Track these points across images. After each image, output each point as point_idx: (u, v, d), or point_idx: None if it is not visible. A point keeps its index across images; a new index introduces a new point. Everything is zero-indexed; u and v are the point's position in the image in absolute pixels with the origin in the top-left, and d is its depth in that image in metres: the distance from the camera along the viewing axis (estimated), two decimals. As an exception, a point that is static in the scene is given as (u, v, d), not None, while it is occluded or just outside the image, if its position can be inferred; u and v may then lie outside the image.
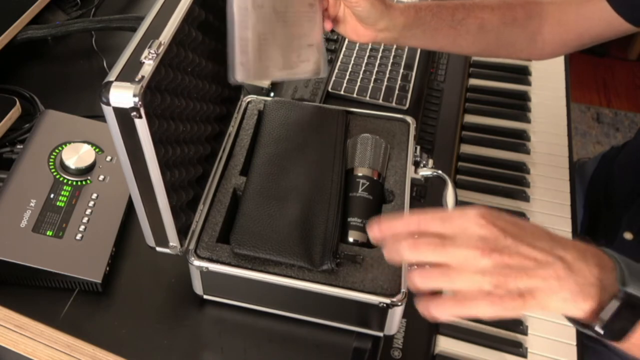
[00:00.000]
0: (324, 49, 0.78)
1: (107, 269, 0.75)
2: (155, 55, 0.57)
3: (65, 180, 0.80)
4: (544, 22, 0.89)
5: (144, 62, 0.56)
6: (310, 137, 0.82)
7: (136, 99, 0.54)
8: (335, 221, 0.73)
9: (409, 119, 0.86)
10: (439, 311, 0.53)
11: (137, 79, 0.55)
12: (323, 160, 0.79)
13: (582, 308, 0.53)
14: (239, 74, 0.72)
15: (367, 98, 1.03)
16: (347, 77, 1.06)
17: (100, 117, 0.55)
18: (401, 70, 1.08)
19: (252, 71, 0.73)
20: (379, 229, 0.57)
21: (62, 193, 0.79)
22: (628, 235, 1.00)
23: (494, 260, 0.52)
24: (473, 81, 1.26)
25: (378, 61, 1.10)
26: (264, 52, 0.73)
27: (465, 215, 0.54)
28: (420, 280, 0.54)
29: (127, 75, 0.55)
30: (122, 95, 0.54)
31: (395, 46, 1.14)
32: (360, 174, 0.77)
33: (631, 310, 0.52)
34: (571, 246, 0.54)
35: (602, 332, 0.53)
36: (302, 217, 0.73)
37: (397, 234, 0.56)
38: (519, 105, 1.22)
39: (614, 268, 0.53)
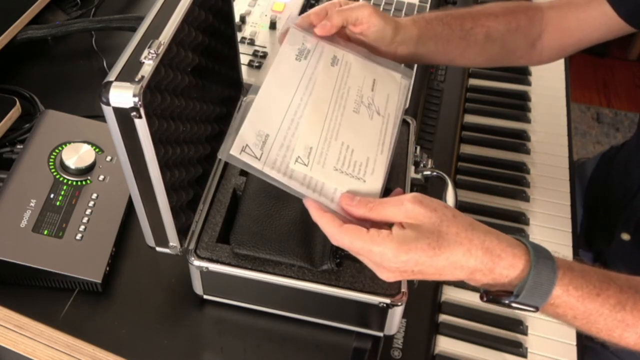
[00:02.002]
0: None
1: (107, 269, 0.75)
2: (155, 55, 0.57)
3: (65, 180, 0.80)
4: (544, 29, 0.89)
5: (143, 62, 0.56)
6: None
7: (136, 99, 0.54)
8: None
9: (409, 119, 0.86)
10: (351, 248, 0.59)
11: (137, 79, 0.55)
12: None
13: (473, 284, 0.60)
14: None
15: (367, 98, 1.03)
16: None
17: (100, 117, 0.55)
18: (401, 70, 1.08)
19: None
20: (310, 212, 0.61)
21: (62, 193, 0.79)
22: (625, 236, 1.00)
23: (398, 271, 0.58)
24: (473, 81, 1.26)
25: (378, 61, 1.09)
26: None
27: (378, 257, 0.58)
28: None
29: (127, 75, 0.55)
30: (122, 95, 0.54)
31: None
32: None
33: (514, 306, 0.58)
34: (482, 262, 0.57)
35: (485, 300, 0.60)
36: (302, 217, 0.72)
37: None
38: (519, 105, 1.22)
39: (522, 279, 0.57)
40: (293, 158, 0.63)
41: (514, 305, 0.58)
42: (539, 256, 0.58)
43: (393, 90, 0.78)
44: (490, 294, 0.59)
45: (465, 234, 0.57)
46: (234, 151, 0.60)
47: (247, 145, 0.61)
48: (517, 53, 0.91)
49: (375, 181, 0.67)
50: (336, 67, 0.74)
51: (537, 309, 0.58)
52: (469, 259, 0.57)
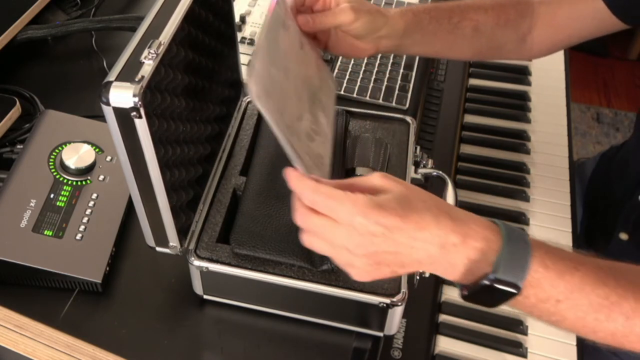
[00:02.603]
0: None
1: (107, 269, 0.75)
2: (155, 55, 0.57)
3: (65, 180, 0.80)
4: (534, 23, 0.89)
5: (143, 62, 0.56)
6: None
7: (136, 99, 0.54)
8: None
9: (409, 119, 0.86)
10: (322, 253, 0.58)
11: (137, 79, 0.55)
12: None
13: (452, 277, 0.57)
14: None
15: (367, 98, 1.03)
16: (347, 77, 1.06)
17: (100, 117, 0.55)
18: (401, 70, 1.08)
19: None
20: (289, 179, 0.58)
21: (62, 193, 0.79)
22: (623, 236, 1.00)
23: (366, 255, 0.55)
24: (473, 81, 1.26)
25: (378, 61, 1.10)
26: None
27: (350, 215, 0.54)
28: (305, 240, 0.58)
29: (127, 75, 0.55)
30: (122, 95, 0.54)
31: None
32: (360, 174, 0.77)
33: (496, 292, 0.55)
34: (453, 229, 0.55)
35: (467, 298, 0.57)
36: None
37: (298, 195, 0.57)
38: (519, 105, 1.22)
39: (497, 252, 0.55)
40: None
41: (495, 286, 0.54)
42: (510, 229, 0.56)
43: (330, 97, 0.78)
44: (469, 285, 0.56)
45: (433, 202, 0.56)
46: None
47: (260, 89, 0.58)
48: (506, 47, 0.91)
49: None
50: (302, 52, 0.73)
51: (518, 289, 0.54)
52: (438, 226, 0.54)
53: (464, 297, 0.57)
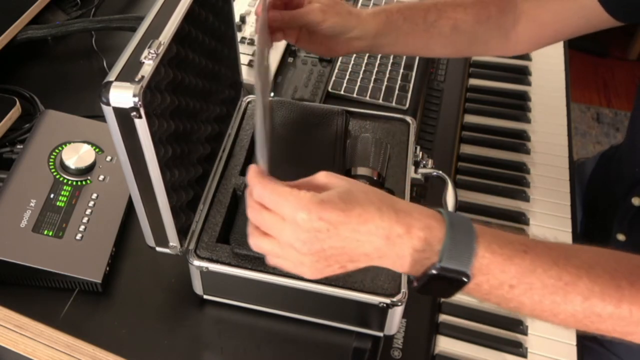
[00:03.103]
0: None
1: (107, 269, 0.75)
2: (155, 55, 0.57)
3: (65, 180, 0.80)
4: (518, 19, 0.88)
5: (143, 62, 0.56)
6: (310, 137, 0.82)
7: (136, 99, 0.54)
8: None
9: (409, 119, 0.86)
10: (270, 262, 0.58)
11: (137, 79, 0.55)
12: (323, 160, 0.79)
13: (401, 270, 0.57)
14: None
15: (367, 98, 1.03)
16: (347, 77, 1.06)
17: (100, 117, 0.55)
18: (401, 70, 1.08)
19: None
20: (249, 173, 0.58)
21: (62, 193, 0.79)
22: (621, 237, 1.00)
23: (312, 253, 0.55)
24: (473, 81, 1.26)
25: (378, 61, 1.10)
26: None
27: (293, 211, 0.54)
28: (252, 241, 0.58)
29: (127, 75, 0.55)
30: (122, 95, 0.54)
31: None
32: (360, 174, 0.77)
33: (446, 280, 0.55)
34: (396, 220, 0.55)
35: (420, 290, 0.57)
36: None
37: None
38: (519, 105, 1.22)
39: (441, 240, 0.54)
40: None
41: (443, 275, 0.54)
42: (453, 217, 0.56)
43: (267, 93, 0.79)
44: (418, 277, 0.56)
45: (376, 196, 0.56)
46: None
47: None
48: (489, 44, 0.90)
49: None
50: (267, 50, 0.74)
51: (467, 277, 0.54)
52: (382, 218, 0.54)
53: (416, 290, 0.57)
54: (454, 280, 0.54)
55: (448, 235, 0.54)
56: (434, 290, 0.57)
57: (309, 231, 0.54)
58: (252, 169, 0.57)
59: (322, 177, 0.57)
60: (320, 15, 0.75)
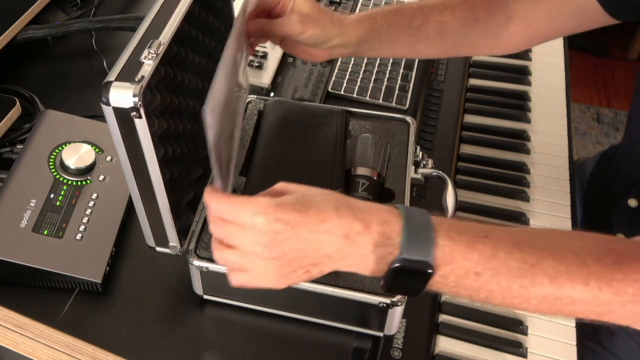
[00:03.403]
0: None
1: (107, 269, 0.75)
2: (155, 55, 0.57)
3: (65, 180, 0.80)
4: (510, 19, 0.87)
5: (143, 62, 0.56)
6: (310, 136, 0.82)
7: (136, 99, 0.54)
8: None
9: (409, 119, 0.86)
10: (233, 281, 0.59)
11: (136, 79, 0.55)
12: (323, 159, 0.79)
13: (366, 271, 0.56)
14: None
15: (367, 98, 1.03)
16: (347, 77, 1.06)
17: (100, 117, 0.55)
18: (401, 70, 1.08)
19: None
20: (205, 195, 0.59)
21: (62, 193, 0.79)
22: (621, 237, 1.00)
23: (274, 257, 0.55)
24: (473, 81, 1.26)
25: (378, 61, 1.10)
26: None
27: (251, 215, 0.55)
28: (217, 255, 0.58)
29: (127, 75, 0.55)
30: (122, 95, 0.54)
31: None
32: (360, 174, 0.77)
33: (411, 274, 0.54)
34: (354, 218, 0.55)
35: (388, 289, 0.56)
36: None
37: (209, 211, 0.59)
38: (519, 105, 1.22)
39: (400, 232, 0.54)
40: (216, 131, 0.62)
41: (407, 268, 0.54)
42: (410, 209, 0.56)
43: (242, 107, 0.78)
44: (384, 274, 0.55)
45: (332, 197, 0.56)
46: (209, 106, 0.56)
47: (215, 105, 0.58)
48: (477, 45, 0.90)
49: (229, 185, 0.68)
50: (241, 57, 0.73)
51: (430, 268, 0.53)
52: (339, 216, 0.54)
53: (385, 289, 0.57)
54: (419, 273, 0.54)
55: (405, 227, 0.54)
56: (401, 286, 0.56)
57: (268, 234, 0.54)
58: (207, 190, 0.57)
59: (278, 185, 0.58)
60: (298, 27, 0.74)
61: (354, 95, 1.04)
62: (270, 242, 0.54)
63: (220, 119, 0.58)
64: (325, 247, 0.55)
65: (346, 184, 0.77)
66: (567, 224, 1.02)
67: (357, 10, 1.17)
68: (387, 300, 0.67)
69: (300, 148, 0.81)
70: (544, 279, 0.54)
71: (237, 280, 0.59)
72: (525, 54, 1.32)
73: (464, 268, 0.54)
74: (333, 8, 1.17)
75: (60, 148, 0.83)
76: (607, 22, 0.85)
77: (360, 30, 0.80)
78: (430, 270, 0.54)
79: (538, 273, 0.54)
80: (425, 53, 0.89)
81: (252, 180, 0.77)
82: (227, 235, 0.56)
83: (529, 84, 1.26)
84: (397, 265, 0.54)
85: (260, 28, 0.75)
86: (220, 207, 0.56)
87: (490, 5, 0.86)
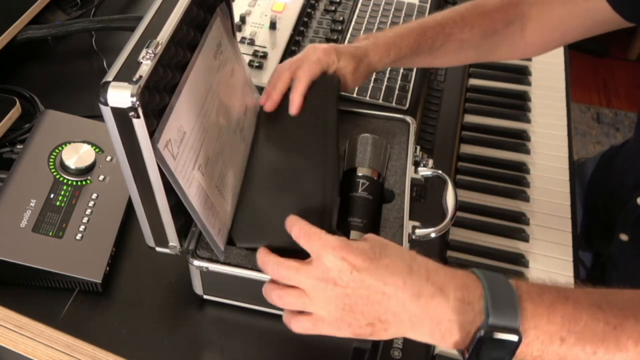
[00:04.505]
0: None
1: (107, 269, 0.75)
2: (153, 55, 0.57)
3: (65, 180, 0.80)
4: (526, 25, 0.88)
5: (141, 62, 0.56)
6: (303, 115, 0.80)
7: (134, 99, 0.54)
8: (332, 196, 0.71)
9: (409, 118, 0.86)
10: (295, 327, 0.57)
11: (134, 79, 0.55)
12: (315, 139, 0.78)
13: (444, 343, 0.53)
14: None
15: (367, 98, 1.03)
16: (347, 77, 1.06)
17: (100, 117, 0.55)
18: (401, 70, 1.08)
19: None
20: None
21: (62, 193, 0.79)
22: (623, 237, 1.00)
23: (338, 294, 0.53)
24: (473, 81, 1.26)
25: (378, 61, 1.09)
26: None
27: (318, 250, 0.55)
28: (276, 299, 0.58)
29: (125, 75, 0.55)
30: (120, 96, 0.54)
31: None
32: (360, 174, 0.77)
33: (497, 343, 0.50)
34: (427, 279, 0.52)
35: None
36: (300, 202, 0.72)
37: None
38: (519, 105, 1.22)
39: (482, 296, 0.51)
40: (197, 164, 0.63)
41: (493, 336, 0.50)
42: (485, 272, 0.53)
43: (253, 121, 0.79)
44: (468, 345, 0.51)
45: (408, 254, 0.54)
46: (160, 144, 0.58)
47: (170, 140, 0.59)
48: (496, 53, 0.92)
49: (232, 207, 0.71)
50: (232, 80, 0.74)
51: (518, 333, 0.50)
52: (411, 274, 0.51)
53: (464, 356, 0.53)
54: (505, 342, 0.50)
55: (487, 291, 0.51)
56: (485, 358, 0.52)
57: (332, 270, 0.52)
58: (262, 252, 0.60)
59: (354, 233, 0.59)
60: (350, 87, 0.83)
61: (354, 95, 1.04)
62: (334, 278, 0.52)
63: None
64: (390, 302, 0.52)
65: (346, 184, 0.77)
66: (567, 224, 1.02)
67: (357, 10, 1.17)
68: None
69: (294, 132, 0.79)
70: (628, 342, 0.51)
71: (298, 325, 0.57)
72: (525, 54, 1.32)
73: (549, 332, 0.51)
74: (333, 8, 1.17)
75: (60, 148, 0.83)
76: (621, 25, 0.86)
77: (384, 62, 0.84)
78: (517, 337, 0.50)
79: (622, 336, 0.51)
80: (442, 64, 0.94)
81: (251, 179, 0.77)
82: (288, 274, 0.56)
83: (529, 84, 1.26)
84: (482, 334, 0.50)
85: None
86: (279, 270, 0.57)
87: (507, 16, 0.88)
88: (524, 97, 1.23)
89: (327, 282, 0.53)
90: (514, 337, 0.50)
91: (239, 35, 1.07)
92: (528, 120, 1.19)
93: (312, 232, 0.56)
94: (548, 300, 0.52)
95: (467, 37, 0.86)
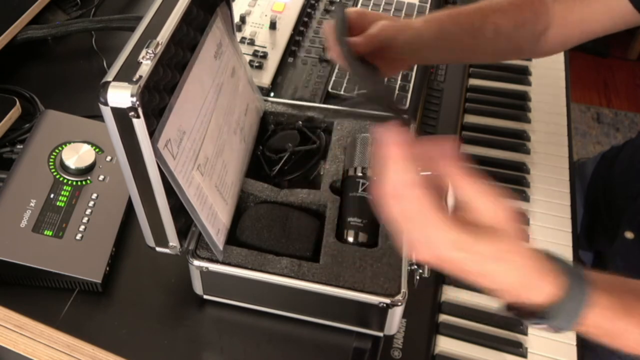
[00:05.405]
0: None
1: (107, 269, 0.75)
2: (153, 55, 0.57)
3: (65, 180, 0.80)
4: (550, 22, 0.88)
5: (141, 62, 0.56)
6: None
7: (134, 99, 0.54)
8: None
9: (409, 119, 0.86)
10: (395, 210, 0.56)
11: (134, 79, 0.55)
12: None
13: (542, 289, 0.56)
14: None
15: (367, 98, 1.03)
16: (347, 77, 1.06)
17: (100, 117, 0.55)
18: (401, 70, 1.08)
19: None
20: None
21: (62, 193, 0.79)
22: (629, 235, 1.00)
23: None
24: (473, 81, 1.26)
25: (378, 61, 1.09)
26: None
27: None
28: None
29: (125, 75, 0.55)
30: (120, 95, 0.54)
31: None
32: (360, 174, 0.77)
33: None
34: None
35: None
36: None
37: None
38: (519, 105, 1.21)
39: (556, 303, 0.56)
40: (196, 164, 0.63)
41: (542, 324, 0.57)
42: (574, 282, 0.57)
43: (255, 121, 0.80)
44: (515, 311, 0.58)
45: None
46: (160, 144, 0.58)
47: (169, 140, 0.59)
48: (523, 48, 0.91)
49: (231, 207, 0.71)
50: (233, 79, 0.75)
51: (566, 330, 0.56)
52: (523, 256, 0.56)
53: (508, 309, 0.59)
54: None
55: (562, 305, 0.56)
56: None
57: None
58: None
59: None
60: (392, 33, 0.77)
61: (354, 95, 1.03)
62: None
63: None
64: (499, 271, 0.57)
65: (346, 184, 0.77)
66: (567, 224, 1.02)
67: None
68: (387, 300, 0.67)
69: None
70: None
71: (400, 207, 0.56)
72: (525, 54, 1.32)
73: (592, 330, 0.59)
74: (333, 8, 1.17)
75: (60, 148, 0.83)
76: (637, 23, 0.86)
77: (430, 31, 0.82)
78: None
79: None
80: (480, 57, 0.93)
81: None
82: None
83: (529, 84, 1.26)
84: (534, 322, 0.58)
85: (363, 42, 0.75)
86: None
87: (535, 7, 0.88)
88: (524, 97, 1.23)
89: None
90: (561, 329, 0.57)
91: (239, 35, 1.07)
92: (528, 120, 1.19)
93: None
94: (611, 314, 0.57)
95: (500, 21, 0.85)
